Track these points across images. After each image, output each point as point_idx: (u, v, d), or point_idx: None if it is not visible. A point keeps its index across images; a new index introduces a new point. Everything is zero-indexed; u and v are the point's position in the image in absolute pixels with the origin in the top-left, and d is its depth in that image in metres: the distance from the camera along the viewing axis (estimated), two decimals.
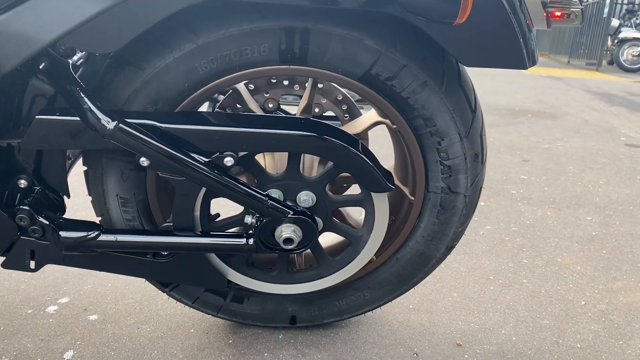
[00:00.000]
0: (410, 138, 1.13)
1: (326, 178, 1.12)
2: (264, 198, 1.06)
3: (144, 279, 1.31)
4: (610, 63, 10.83)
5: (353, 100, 1.38)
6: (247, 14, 0.99)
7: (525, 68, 1.00)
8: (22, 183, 1.09)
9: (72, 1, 0.86)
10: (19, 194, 1.10)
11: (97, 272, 1.46)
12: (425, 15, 0.83)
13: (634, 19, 11.00)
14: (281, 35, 1.00)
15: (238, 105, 1.33)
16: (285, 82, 1.38)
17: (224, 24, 0.99)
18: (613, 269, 1.89)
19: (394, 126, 1.14)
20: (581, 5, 1.04)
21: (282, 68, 1.05)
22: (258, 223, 1.09)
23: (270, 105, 1.27)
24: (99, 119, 0.96)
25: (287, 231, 1.08)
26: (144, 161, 1.02)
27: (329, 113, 1.44)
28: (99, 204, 1.17)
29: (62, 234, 1.07)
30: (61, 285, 1.59)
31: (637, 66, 10.18)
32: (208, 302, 1.34)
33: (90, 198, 1.18)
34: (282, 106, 1.37)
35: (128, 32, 0.93)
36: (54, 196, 1.13)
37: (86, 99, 0.96)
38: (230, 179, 1.04)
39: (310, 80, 1.24)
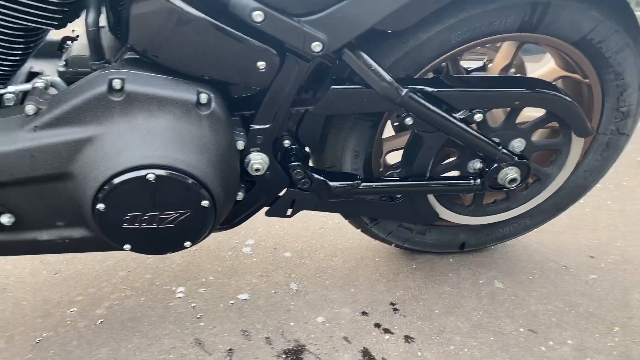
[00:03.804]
0: (597, 89, 1.36)
1: (536, 126, 1.35)
2: (498, 147, 1.28)
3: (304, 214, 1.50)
4: None
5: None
6: None
7: None
8: (286, 142, 1.25)
9: None
10: (279, 152, 1.26)
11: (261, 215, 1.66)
12: None
13: None
14: (527, 9, 1.19)
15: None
16: None
17: (487, 1, 1.16)
18: None
19: (586, 80, 1.36)
20: None
21: (515, 35, 1.24)
22: (487, 167, 1.31)
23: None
24: (394, 88, 1.13)
25: (511, 173, 1.31)
26: (409, 120, 1.21)
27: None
28: (333, 158, 1.35)
29: (332, 184, 1.26)
30: (237, 229, 1.77)
31: None
32: (398, 235, 1.56)
33: None
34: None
35: (420, 13, 1.09)
36: (305, 151, 1.30)
37: (382, 72, 1.12)
38: (476, 132, 1.25)
39: (509, 43, 1.43)
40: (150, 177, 0.99)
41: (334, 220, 1.84)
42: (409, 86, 1.16)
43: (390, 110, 1.18)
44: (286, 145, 1.26)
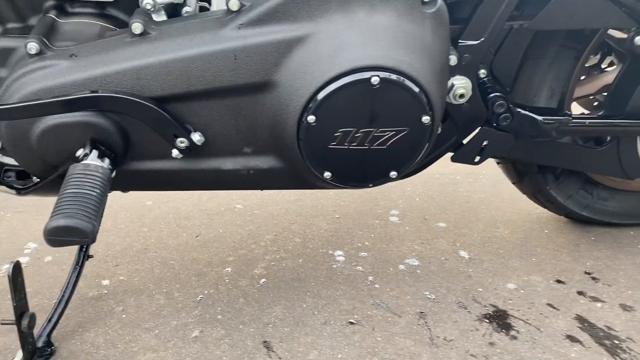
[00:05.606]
0: None
1: None
2: None
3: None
4: None
5: None
6: None
7: None
8: (482, 72, 1.08)
9: None
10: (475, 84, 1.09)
11: (390, 185, 1.49)
12: None
13: None
14: None
15: None
16: None
17: None
18: None
19: None
20: None
21: None
22: None
23: None
24: None
25: None
26: (639, 40, 1.03)
27: None
28: (525, 96, 1.16)
29: (540, 118, 1.08)
30: (377, 199, 1.60)
31: None
32: (578, 200, 1.36)
33: None
34: None
35: None
36: (500, 84, 1.13)
37: None
38: None
39: None
40: (375, 80, 0.83)
41: (479, 195, 1.65)
42: None
43: (627, 26, 1.00)
44: (482, 76, 1.08)
